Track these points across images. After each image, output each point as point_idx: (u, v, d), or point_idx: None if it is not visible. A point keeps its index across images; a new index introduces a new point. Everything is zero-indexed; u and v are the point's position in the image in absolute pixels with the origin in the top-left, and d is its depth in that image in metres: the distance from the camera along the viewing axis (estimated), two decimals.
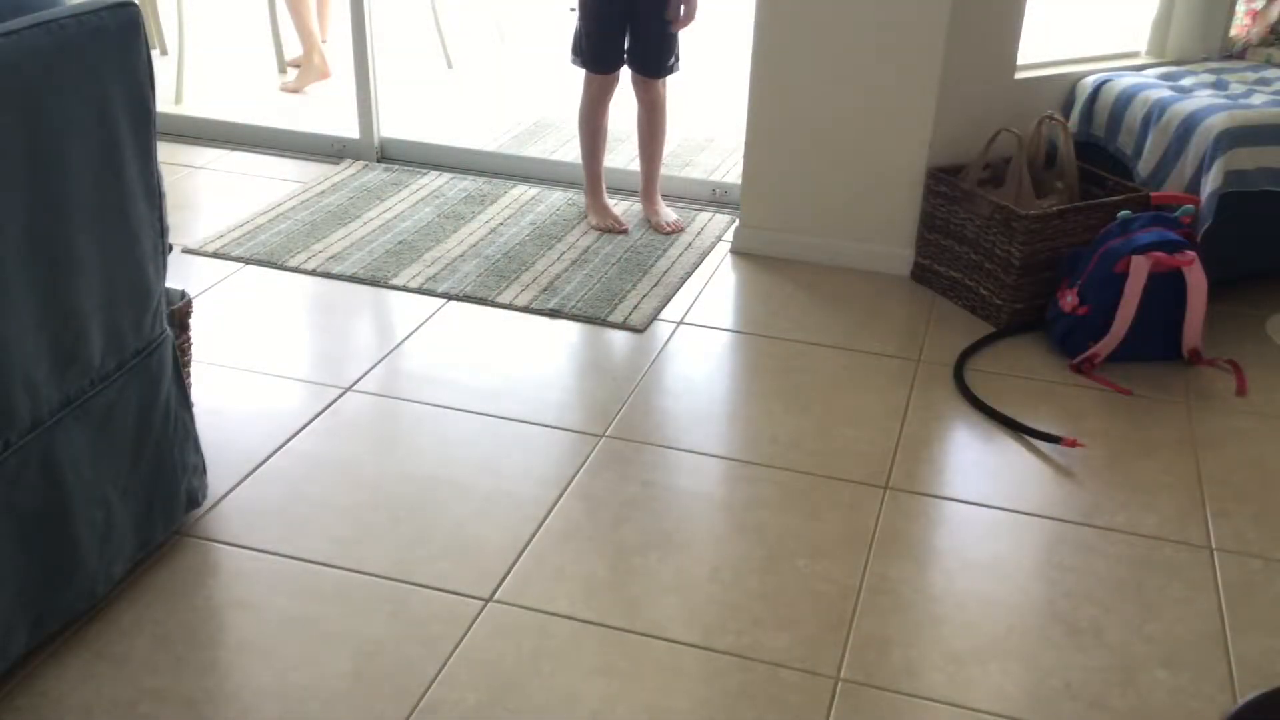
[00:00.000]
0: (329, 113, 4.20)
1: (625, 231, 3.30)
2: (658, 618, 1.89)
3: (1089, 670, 1.81)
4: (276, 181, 3.63)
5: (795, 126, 3.07)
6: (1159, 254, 2.59)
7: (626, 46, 3.20)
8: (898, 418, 2.47)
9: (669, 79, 3.28)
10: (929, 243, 3.03)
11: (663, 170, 3.42)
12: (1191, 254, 2.61)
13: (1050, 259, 2.79)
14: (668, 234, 3.30)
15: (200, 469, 2.06)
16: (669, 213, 3.39)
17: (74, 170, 1.60)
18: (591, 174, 3.37)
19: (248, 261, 3.08)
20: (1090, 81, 3.09)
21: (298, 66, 4.63)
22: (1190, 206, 2.72)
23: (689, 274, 3.09)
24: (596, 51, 3.20)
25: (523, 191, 3.58)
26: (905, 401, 2.54)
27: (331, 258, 3.10)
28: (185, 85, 4.37)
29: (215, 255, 3.10)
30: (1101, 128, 3.05)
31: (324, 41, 4.73)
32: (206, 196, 3.53)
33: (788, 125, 3.08)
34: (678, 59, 3.25)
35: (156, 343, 1.88)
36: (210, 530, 2.05)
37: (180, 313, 2.05)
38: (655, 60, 3.21)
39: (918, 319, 2.91)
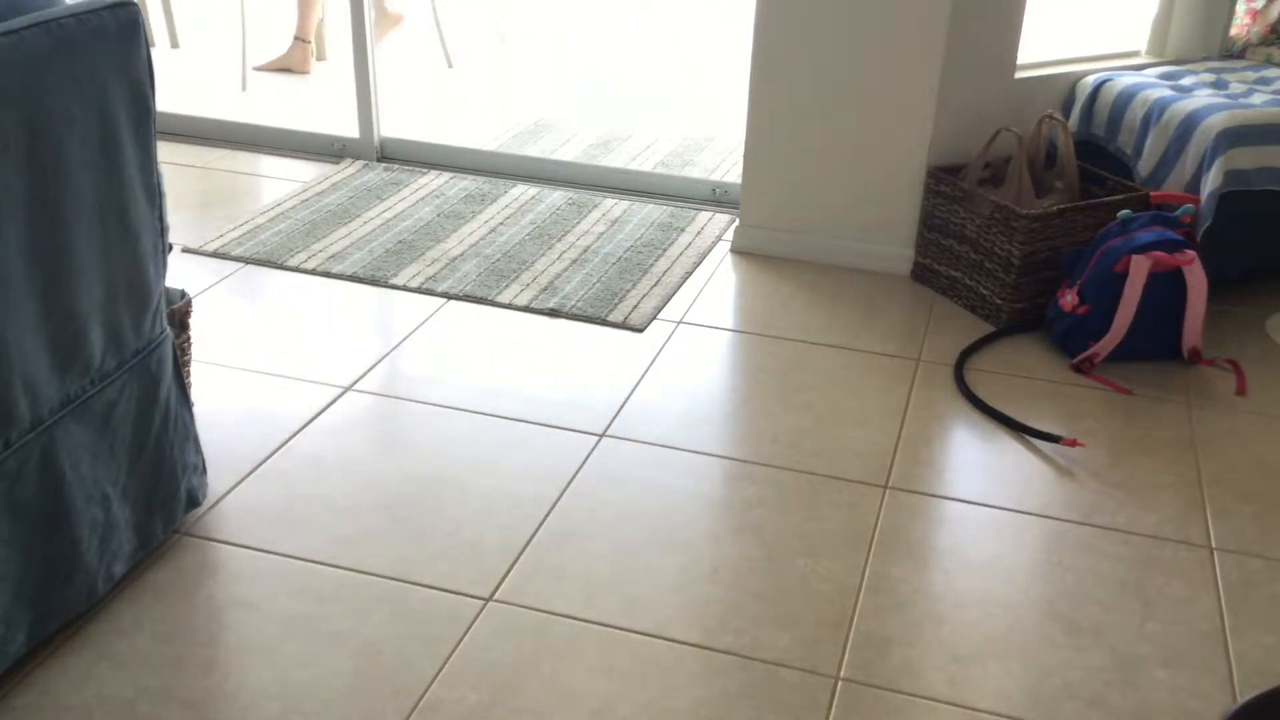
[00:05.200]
0: (329, 113, 4.20)
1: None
2: (658, 618, 1.89)
3: (1089, 670, 1.81)
4: (276, 181, 3.63)
5: (795, 126, 3.07)
6: (1159, 253, 2.59)
7: None
8: (898, 417, 2.47)
9: None
10: (929, 242, 3.03)
11: (663, 169, 3.42)
12: (1191, 253, 2.61)
13: (1050, 258, 2.80)
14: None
15: (200, 468, 2.06)
16: None
17: (74, 170, 1.60)
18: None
19: (247, 261, 3.08)
20: (1090, 81, 3.09)
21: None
22: (1190, 206, 2.73)
23: (689, 273, 3.09)
24: None
25: (523, 191, 3.58)
26: (905, 401, 2.54)
27: (331, 257, 3.10)
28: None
29: (215, 255, 3.11)
30: (1101, 127, 3.05)
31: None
32: (206, 196, 3.52)
33: (788, 125, 3.08)
34: None
35: (156, 342, 1.88)
36: (210, 530, 2.05)
37: (180, 312, 2.05)
38: None
39: (918, 318, 2.91)
